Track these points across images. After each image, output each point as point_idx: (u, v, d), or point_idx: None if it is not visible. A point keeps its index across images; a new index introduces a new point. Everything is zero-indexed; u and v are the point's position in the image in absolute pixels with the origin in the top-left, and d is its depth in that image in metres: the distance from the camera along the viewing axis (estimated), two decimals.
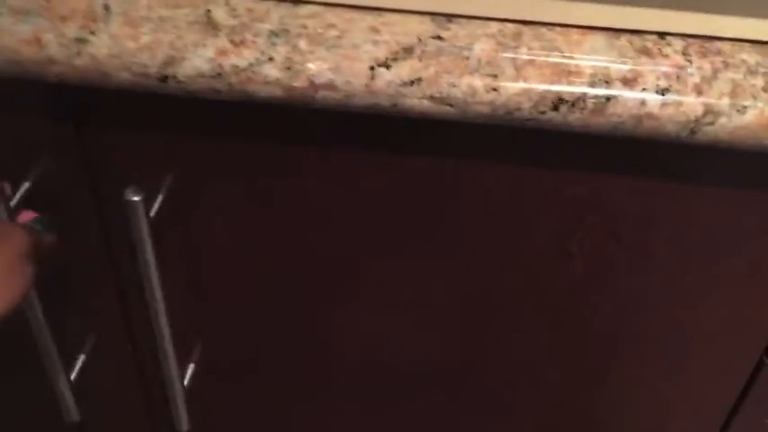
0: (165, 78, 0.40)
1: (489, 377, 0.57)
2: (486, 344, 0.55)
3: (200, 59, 0.40)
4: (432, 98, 0.39)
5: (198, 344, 0.57)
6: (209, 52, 0.39)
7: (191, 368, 0.57)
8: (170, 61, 0.40)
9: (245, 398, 0.61)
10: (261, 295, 0.54)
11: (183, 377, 0.56)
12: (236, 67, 0.39)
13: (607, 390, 0.58)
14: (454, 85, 0.39)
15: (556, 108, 0.39)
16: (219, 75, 0.40)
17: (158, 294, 0.50)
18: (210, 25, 0.40)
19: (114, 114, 0.46)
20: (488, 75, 0.39)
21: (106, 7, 0.41)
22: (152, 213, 0.47)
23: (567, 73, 0.39)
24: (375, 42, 0.40)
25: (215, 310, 0.56)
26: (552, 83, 0.39)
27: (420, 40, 0.40)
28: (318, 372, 0.58)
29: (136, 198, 0.45)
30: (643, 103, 0.38)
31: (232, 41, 0.40)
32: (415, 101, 0.39)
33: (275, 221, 0.49)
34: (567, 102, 0.39)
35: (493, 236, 0.48)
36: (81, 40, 0.40)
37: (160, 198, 0.48)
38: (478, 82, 0.39)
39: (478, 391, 0.58)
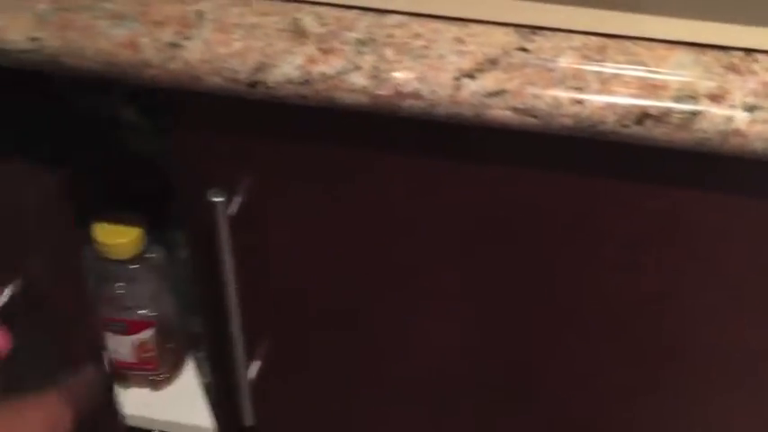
0: (254, 84, 0.41)
1: (552, 386, 0.57)
2: (552, 353, 0.55)
3: (289, 66, 0.41)
4: (515, 109, 0.40)
5: (264, 341, 0.58)
6: (299, 59, 0.40)
7: (256, 365, 0.59)
8: (260, 67, 0.41)
9: (309, 395, 0.62)
10: (331, 297, 0.55)
11: (249, 373, 0.57)
12: (324, 74, 0.40)
13: (669, 404, 0.57)
14: (538, 97, 0.39)
15: (640, 122, 0.39)
16: (307, 81, 0.41)
17: (232, 292, 0.51)
18: (299, 33, 0.41)
19: (196, 117, 0.48)
20: (573, 87, 0.39)
21: (199, 14, 0.42)
22: (231, 214, 0.48)
23: (652, 87, 0.39)
24: (460, 53, 0.40)
25: (284, 309, 0.57)
26: (638, 97, 0.39)
27: (505, 51, 0.40)
28: (385, 374, 0.58)
29: (218, 199, 0.47)
30: (730, 119, 0.38)
31: (320, 49, 0.41)
32: (499, 112, 0.40)
33: (351, 226, 0.50)
34: (652, 116, 0.39)
35: (568, 246, 0.48)
36: (175, 45, 0.41)
37: (238, 199, 0.49)
38: (563, 94, 0.39)
39: (542, 400, 0.59)
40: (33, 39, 0.42)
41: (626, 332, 0.52)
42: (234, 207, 0.49)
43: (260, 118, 0.46)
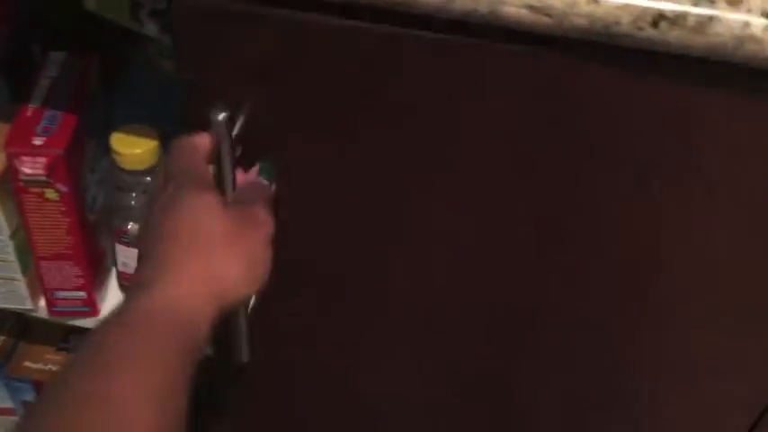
0: None
1: (548, 321, 0.57)
2: (563, 287, 0.55)
3: None
4: (530, 7, 0.40)
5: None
6: None
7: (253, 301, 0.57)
8: None
9: (304, 334, 0.62)
10: (332, 231, 0.54)
11: (246, 308, 0.56)
12: None
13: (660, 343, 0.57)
14: None
15: (655, 24, 0.39)
16: None
17: None
18: None
19: (203, 27, 0.47)
20: None
21: None
22: (235, 132, 0.47)
23: None
24: None
25: (283, 242, 0.56)
26: None
27: None
28: (381, 305, 0.58)
29: (221, 116, 0.45)
30: (747, 24, 0.38)
31: None
32: (513, 9, 0.40)
33: (358, 144, 0.50)
34: (667, 18, 0.38)
35: (583, 159, 0.48)
36: None
37: (242, 120, 0.48)
38: None
39: (540, 336, 0.58)
40: None
41: (633, 268, 0.52)
42: (238, 127, 0.47)
43: (271, 34, 0.46)
